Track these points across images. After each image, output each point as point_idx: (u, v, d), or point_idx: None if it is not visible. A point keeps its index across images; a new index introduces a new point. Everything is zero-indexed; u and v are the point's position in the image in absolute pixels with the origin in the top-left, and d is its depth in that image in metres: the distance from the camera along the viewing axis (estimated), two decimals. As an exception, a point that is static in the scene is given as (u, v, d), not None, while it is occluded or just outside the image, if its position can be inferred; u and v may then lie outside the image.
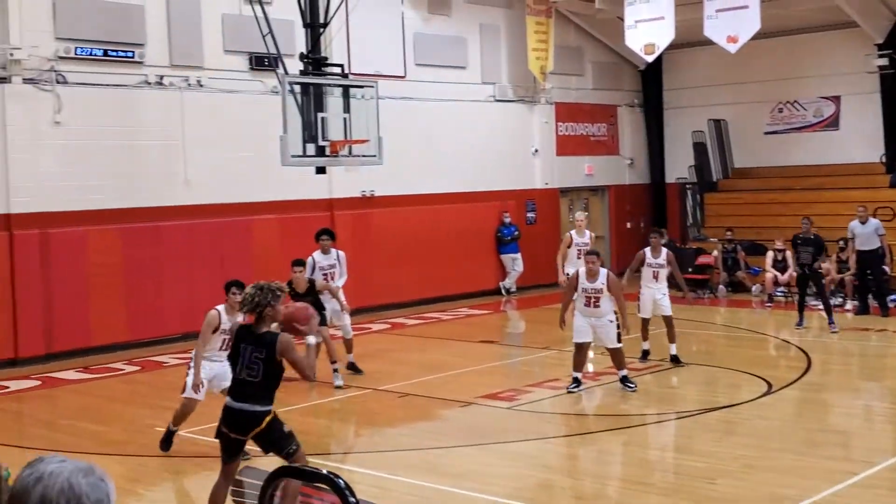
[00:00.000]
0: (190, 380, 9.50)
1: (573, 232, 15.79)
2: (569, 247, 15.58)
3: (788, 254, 19.06)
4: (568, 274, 15.14)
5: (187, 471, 9.38)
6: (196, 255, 16.40)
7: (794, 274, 17.28)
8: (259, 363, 7.04)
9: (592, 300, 11.61)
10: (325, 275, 13.11)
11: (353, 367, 13.34)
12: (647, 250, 13.50)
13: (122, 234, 15.84)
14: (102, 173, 15.76)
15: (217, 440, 7.43)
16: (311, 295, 12.11)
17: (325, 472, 3.42)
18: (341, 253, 13.74)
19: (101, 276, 15.52)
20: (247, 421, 7.13)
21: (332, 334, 12.80)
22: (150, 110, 16.38)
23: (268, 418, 7.16)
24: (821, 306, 18.06)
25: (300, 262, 12.63)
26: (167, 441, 9.77)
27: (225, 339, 9.23)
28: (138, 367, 14.52)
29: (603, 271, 11.72)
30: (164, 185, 16.51)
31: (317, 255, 13.23)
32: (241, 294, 8.40)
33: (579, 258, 15.19)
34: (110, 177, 15.86)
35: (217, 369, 9.55)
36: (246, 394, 7.11)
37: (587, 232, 15.87)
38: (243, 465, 8.51)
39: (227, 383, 8.85)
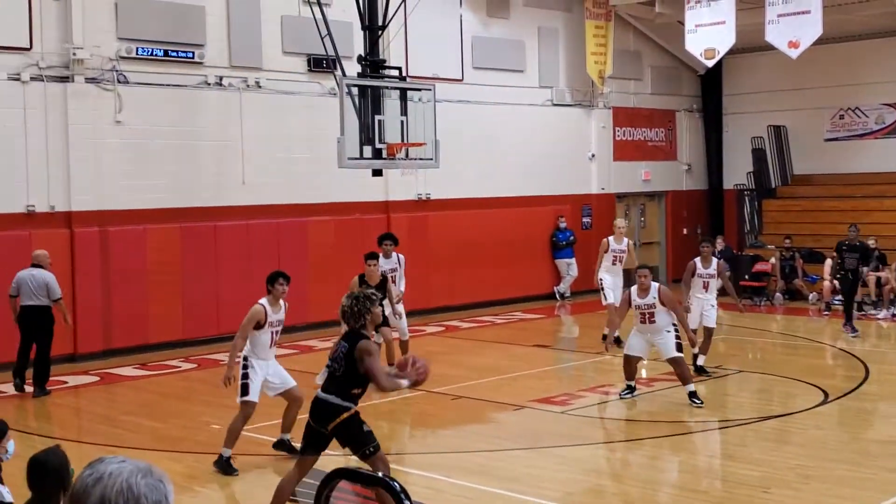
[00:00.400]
0: (253, 385, 9.11)
1: (611, 238, 15.63)
2: (605, 252, 15.43)
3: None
4: (601, 279, 15.10)
5: (243, 469, 9.47)
6: (252, 254, 16.58)
7: (833, 279, 17.67)
8: (342, 358, 7.31)
9: (647, 316, 11.38)
10: (386, 278, 13.17)
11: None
12: (698, 260, 13.35)
13: (180, 233, 16.08)
14: (161, 172, 16.01)
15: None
16: (382, 290, 12.19)
17: (380, 475, 3.43)
18: (401, 256, 13.90)
19: (158, 273, 15.76)
20: (325, 411, 7.32)
21: (395, 337, 12.90)
22: (208, 110, 16.61)
23: (345, 414, 7.30)
24: (880, 315, 17.74)
25: (374, 256, 12.93)
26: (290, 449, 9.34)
27: (273, 334, 9.20)
28: (195, 365, 14.71)
29: (654, 285, 11.43)
30: (222, 185, 16.72)
31: (379, 257, 13.26)
32: (287, 285, 8.85)
33: (615, 264, 15.18)
34: (169, 176, 16.11)
35: (272, 368, 9.42)
36: (331, 386, 7.38)
37: (625, 239, 15.73)
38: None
39: (286, 385, 9.09)
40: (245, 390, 9.09)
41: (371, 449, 7.32)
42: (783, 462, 9.00)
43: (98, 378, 13.91)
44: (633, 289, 11.54)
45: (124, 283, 15.45)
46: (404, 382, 7.47)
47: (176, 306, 15.98)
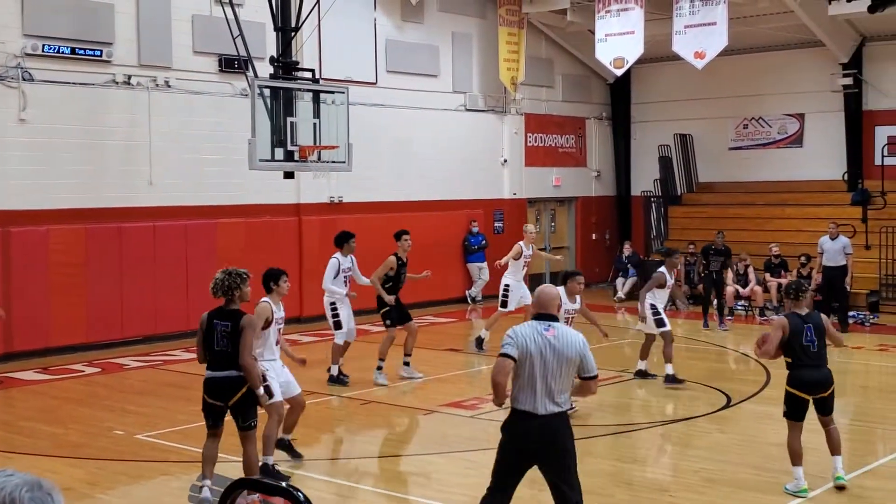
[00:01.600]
0: (274, 384, 8.71)
1: (522, 243, 15.59)
2: (517, 258, 15.30)
3: (751, 268, 19.28)
4: (507, 285, 15.13)
5: (145, 475, 9.31)
6: (160, 257, 16.29)
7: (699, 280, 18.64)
8: (227, 336, 7.87)
9: (570, 321, 11.35)
10: (346, 277, 13.19)
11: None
12: (563, 291, 11.13)
13: (84, 234, 15.70)
14: (66, 172, 15.62)
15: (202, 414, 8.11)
16: (402, 270, 13.20)
17: (283, 484, 3.39)
18: (353, 257, 13.72)
19: (62, 275, 15.37)
20: (226, 388, 7.89)
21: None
22: (116, 110, 16.27)
23: (246, 387, 7.89)
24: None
25: (407, 232, 13.45)
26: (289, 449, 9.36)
27: (278, 332, 8.98)
28: (98, 370, 14.38)
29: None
30: (129, 186, 16.39)
31: (339, 256, 13.18)
32: (288, 283, 9.02)
33: (522, 269, 15.22)
34: (74, 176, 15.73)
35: (287, 374, 9.12)
36: (224, 363, 7.86)
37: (532, 245, 15.73)
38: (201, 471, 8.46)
39: (290, 393, 8.96)
40: (268, 392, 8.53)
41: (254, 423, 7.93)
42: (687, 466, 9.20)
43: (-3, 383, 13.49)
44: (562, 290, 11.07)
45: (26, 284, 15.03)
46: (260, 390, 7.94)
47: (79, 309, 15.60)
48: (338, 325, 12.96)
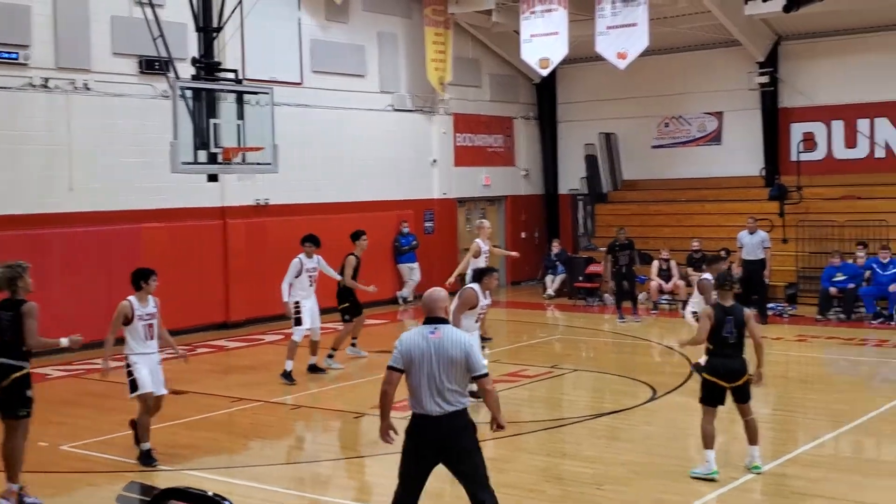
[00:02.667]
0: (141, 375, 9.52)
1: (479, 240, 15.83)
2: (476, 256, 15.54)
3: (673, 263, 19.64)
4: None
5: (71, 486, 9.14)
6: (81, 264, 15.98)
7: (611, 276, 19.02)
8: (8, 326, 8.31)
9: (482, 317, 11.43)
10: (311, 277, 13.90)
11: (314, 369, 14.04)
12: (478, 288, 11.23)
13: (2, 242, 15.30)
14: (-17, 178, 15.25)
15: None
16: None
17: (211, 493, 3.38)
18: (320, 257, 14.23)
19: (-20, 284, 14.96)
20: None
21: (305, 335, 13.79)
22: (34, 113, 15.91)
23: (17, 374, 8.29)
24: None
25: (364, 232, 14.69)
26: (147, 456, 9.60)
27: (144, 327, 9.62)
28: (20, 379, 14.02)
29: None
30: (48, 191, 16.05)
31: (302, 257, 13.90)
32: (156, 282, 9.75)
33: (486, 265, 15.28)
34: (-8, 182, 15.37)
35: (153, 362, 9.77)
36: (2, 351, 8.33)
37: (489, 241, 16.05)
38: (129, 481, 8.37)
39: (157, 392, 9.72)
40: (134, 386, 9.51)
41: (25, 413, 8.26)
42: (615, 458, 9.34)
43: (-87, 396, 13.08)
44: (478, 287, 11.10)
45: (-59, 294, 14.60)
46: (63, 341, 8.52)
47: (-1, 318, 15.20)
48: (298, 322, 13.63)
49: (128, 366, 9.63)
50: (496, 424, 6.66)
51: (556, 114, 25.93)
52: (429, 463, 6.44)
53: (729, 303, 8.90)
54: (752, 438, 8.89)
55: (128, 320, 9.57)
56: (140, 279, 9.74)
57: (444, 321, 6.50)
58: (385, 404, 6.50)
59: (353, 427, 11.28)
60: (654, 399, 11.83)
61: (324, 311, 14.41)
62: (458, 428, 6.38)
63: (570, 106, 25.72)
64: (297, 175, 19.14)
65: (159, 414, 10.08)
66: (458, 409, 6.38)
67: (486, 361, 6.68)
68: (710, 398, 8.80)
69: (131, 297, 9.66)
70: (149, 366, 9.65)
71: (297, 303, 13.77)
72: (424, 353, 6.33)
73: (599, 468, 9.06)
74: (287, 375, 13.35)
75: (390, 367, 6.41)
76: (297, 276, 13.75)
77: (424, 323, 6.47)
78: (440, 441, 6.35)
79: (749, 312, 9.03)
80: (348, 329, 14.69)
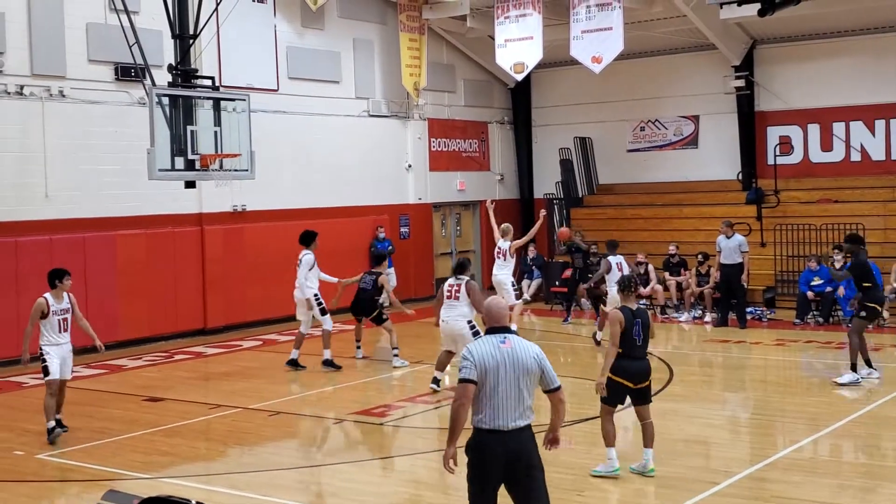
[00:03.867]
0: (52, 364, 10.76)
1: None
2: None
3: (651, 267, 19.70)
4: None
5: (47, 495, 9.06)
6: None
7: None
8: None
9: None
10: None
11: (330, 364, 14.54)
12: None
13: (-23, 250, 15.19)
14: (-43, 186, 15.11)
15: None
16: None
17: (194, 501, 3.36)
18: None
19: (-46, 293, 14.84)
20: None
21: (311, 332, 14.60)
22: (8, 121, 15.78)
23: None
24: (682, 318, 18.77)
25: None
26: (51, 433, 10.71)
27: (59, 321, 10.90)
28: (-5, 388, 13.94)
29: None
30: (23, 199, 15.92)
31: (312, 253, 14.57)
32: (70, 281, 11.08)
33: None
34: (-35, 189, 15.23)
35: (65, 352, 10.99)
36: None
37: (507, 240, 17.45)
38: (108, 489, 8.29)
39: (65, 376, 10.97)
40: (46, 371, 10.76)
41: None
42: (592, 463, 9.34)
43: None
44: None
45: (-86, 303, 14.46)
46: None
47: (-27, 327, 15.08)
48: (324, 312, 14.48)
49: (42, 355, 10.79)
50: (553, 437, 6.46)
51: (531, 118, 26.00)
52: (498, 481, 6.05)
53: (634, 306, 9.13)
54: (649, 441, 9.07)
55: (44, 315, 10.79)
56: (55, 278, 11.01)
57: (510, 330, 6.23)
58: (462, 422, 5.98)
59: (332, 433, 11.24)
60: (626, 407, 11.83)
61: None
62: (530, 441, 6.10)
63: (545, 110, 25.80)
64: (273, 181, 19.10)
65: (137, 422, 10.00)
66: (530, 423, 6.10)
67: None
68: (613, 398, 9.04)
69: (47, 295, 10.89)
70: (60, 356, 10.86)
71: (316, 294, 14.54)
72: (498, 363, 5.99)
73: (579, 474, 9.06)
74: (329, 363, 14.51)
75: (467, 380, 5.94)
76: (310, 270, 14.46)
77: (489, 333, 6.16)
78: (512, 456, 6.00)
79: (650, 314, 9.36)
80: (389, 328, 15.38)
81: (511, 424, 5.97)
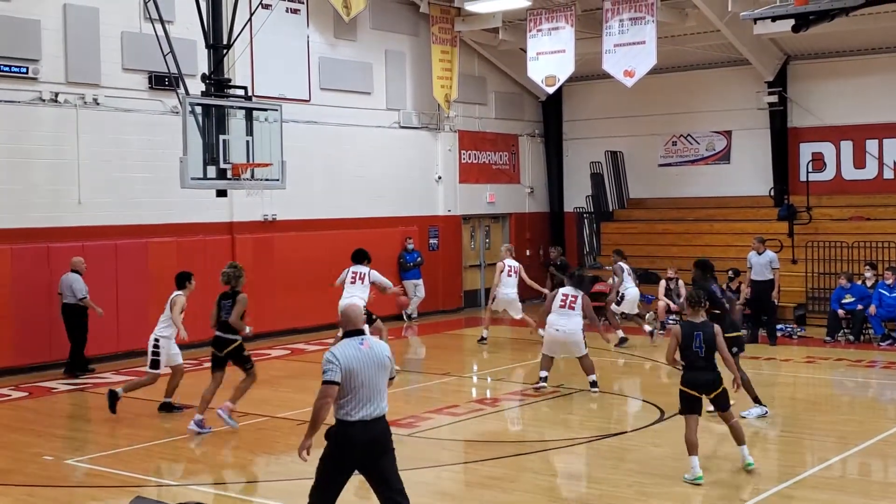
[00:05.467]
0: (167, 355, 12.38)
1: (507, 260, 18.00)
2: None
3: (681, 282, 19.57)
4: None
5: (75, 501, 9.11)
6: (89, 277, 15.94)
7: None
8: (228, 307, 11.53)
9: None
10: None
11: None
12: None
13: (10, 255, 15.35)
14: (-8, 191, 15.30)
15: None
16: None
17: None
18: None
19: (-12, 297, 15.01)
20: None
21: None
22: (43, 128, 15.96)
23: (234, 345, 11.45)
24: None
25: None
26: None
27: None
28: (26, 393, 14.05)
29: None
30: (57, 205, 16.09)
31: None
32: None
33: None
34: (0, 195, 15.38)
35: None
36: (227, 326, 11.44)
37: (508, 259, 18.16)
38: (135, 496, 8.34)
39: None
40: (156, 364, 12.35)
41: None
42: (621, 479, 9.29)
43: (-82, 409, 13.11)
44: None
45: (-51, 307, 14.64)
46: (248, 329, 11.82)
47: (7, 331, 15.24)
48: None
49: (157, 345, 12.33)
50: None
51: (562, 131, 25.95)
52: (353, 467, 6.79)
53: (699, 319, 9.44)
54: (739, 439, 9.44)
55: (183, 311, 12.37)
56: (186, 280, 12.56)
57: (364, 332, 7.00)
58: (323, 419, 6.67)
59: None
60: (662, 420, 11.77)
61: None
62: (387, 428, 6.83)
63: (576, 123, 25.75)
64: (304, 191, 19.20)
65: (166, 428, 10.03)
66: (385, 413, 6.82)
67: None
68: (688, 407, 9.37)
69: (181, 293, 12.45)
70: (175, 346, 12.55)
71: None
72: (362, 363, 6.70)
73: (606, 489, 9.01)
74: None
75: (332, 382, 6.61)
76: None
77: (346, 336, 6.86)
78: (374, 443, 6.72)
79: (718, 331, 9.48)
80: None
81: (373, 415, 6.70)
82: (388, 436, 6.83)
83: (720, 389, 9.35)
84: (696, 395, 9.33)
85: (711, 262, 12.87)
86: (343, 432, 6.66)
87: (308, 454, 6.74)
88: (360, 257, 15.39)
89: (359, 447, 6.66)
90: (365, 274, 15.18)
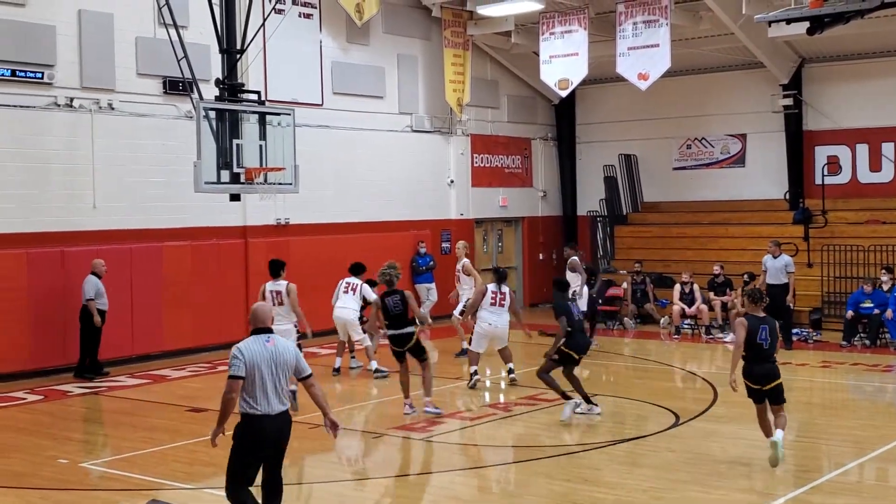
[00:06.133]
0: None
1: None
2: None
3: (696, 286, 19.51)
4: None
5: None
6: (104, 281, 15.99)
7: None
8: (400, 304, 12.13)
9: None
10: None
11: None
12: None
13: (26, 259, 15.41)
14: (7, 196, 15.36)
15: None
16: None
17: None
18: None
19: (3, 301, 15.07)
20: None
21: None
22: (58, 132, 16.04)
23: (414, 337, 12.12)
24: (727, 339, 18.52)
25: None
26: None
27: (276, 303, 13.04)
28: (41, 397, 14.09)
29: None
30: (72, 209, 16.15)
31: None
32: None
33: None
34: (15, 199, 15.46)
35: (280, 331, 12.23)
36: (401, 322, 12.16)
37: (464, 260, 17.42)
38: (150, 499, 8.37)
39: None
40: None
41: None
42: (636, 485, 9.24)
43: (-66, 412, 13.17)
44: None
45: (-36, 311, 14.70)
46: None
47: (22, 335, 15.30)
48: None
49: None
50: (329, 421, 7.46)
51: (575, 135, 25.91)
52: (266, 457, 7.20)
53: (761, 313, 9.74)
54: (781, 425, 9.74)
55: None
56: (280, 268, 13.32)
57: (272, 331, 7.34)
58: (231, 411, 7.12)
59: (372, 447, 11.22)
60: (677, 425, 11.72)
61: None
62: (289, 422, 7.27)
63: (589, 127, 25.71)
64: (317, 195, 19.22)
65: (181, 431, 10.03)
66: (287, 408, 7.25)
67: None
68: (754, 397, 9.81)
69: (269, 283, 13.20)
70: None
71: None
72: (265, 359, 7.08)
73: (621, 494, 8.96)
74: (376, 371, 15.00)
75: (237, 377, 7.03)
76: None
77: (255, 333, 7.23)
78: (279, 434, 7.16)
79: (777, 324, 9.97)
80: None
81: (277, 409, 7.10)
82: (289, 429, 7.25)
83: (776, 382, 9.64)
84: (754, 386, 9.66)
85: (567, 281, 13.95)
86: (249, 424, 7.08)
87: (216, 443, 7.22)
88: (357, 270, 15.80)
89: (265, 439, 7.08)
90: (357, 286, 15.53)
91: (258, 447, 7.11)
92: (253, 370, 7.02)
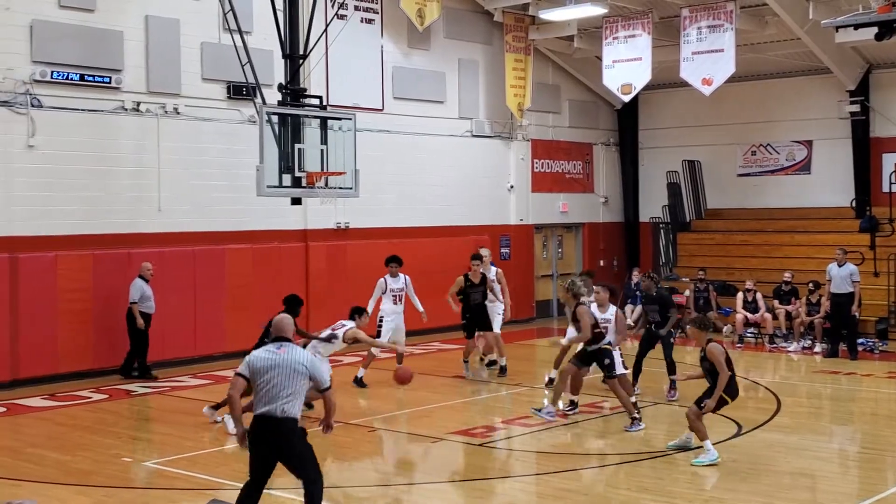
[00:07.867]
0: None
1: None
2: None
3: (759, 294, 19.20)
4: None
5: (151, 503, 9.24)
6: (168, 282, 16.27)
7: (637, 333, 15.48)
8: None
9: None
10: (395, 297, 15.13)
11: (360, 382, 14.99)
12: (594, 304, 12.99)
13: (93, 261, 15.71)
14: (75, 198, 15.67)
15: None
16: (483, 286, 15.42)
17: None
18: (407, 277, 15.28)
19: (70, 302, 15.37)
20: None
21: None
22: (125, 136, 16.33)
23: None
24: (791, 348, 18.18)
25: (477, 257, 15.58)
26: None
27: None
28: (106, 396, 14.34)
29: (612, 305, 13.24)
30: (137, 212, 16.43)
31: (388, 278, 15.14)
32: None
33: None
34: (83, 202, 15.77)
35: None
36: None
37: (493, 268, 16.32)
38: (211, 499, 8.44)
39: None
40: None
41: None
42: (697, 494, 9.12)
43: (5, 409, 13.47)
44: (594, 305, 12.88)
45: (33, 310, 15.03)
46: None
47: (87, 335, 15.59)
48: (377, 335, 14.78)
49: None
50: (325, 424, 7.78)
51: (637, 140, 25.70)
52: (275, 458, 7.41)
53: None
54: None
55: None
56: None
57: (290, 341, 7.54)
58: (235, 406, 7.60)
59: (431, 451, 11.21)
60: (740, 435, 11.54)
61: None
62: (292, 429, 7.34)
63: (652, 132, 25.47)
64: (376, 199, 19.32)
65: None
66: (292, 416, 7.33)
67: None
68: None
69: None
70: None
71: (380, 318, 14.99)
72: (270, 365, 7.31)
73: None
74: (358, 381, 14.82)
75: (237, 374, 7.42)
76: (382, 294, 15.04)
77: (273, 342, 7.50)
78: (272, 437, 7.31)
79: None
80: (471, 344, 15.81)
81: (277, 413, 7.23)
82: (292, 435, 7.31)
83: None
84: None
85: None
86: (251, 424, 7.36)
87: (243, 445, 7.50)
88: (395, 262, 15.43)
89: (260, 440, 7.29)
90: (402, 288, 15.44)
91: (255, 446, 7.35)
92: (256, 374, 7.31)
